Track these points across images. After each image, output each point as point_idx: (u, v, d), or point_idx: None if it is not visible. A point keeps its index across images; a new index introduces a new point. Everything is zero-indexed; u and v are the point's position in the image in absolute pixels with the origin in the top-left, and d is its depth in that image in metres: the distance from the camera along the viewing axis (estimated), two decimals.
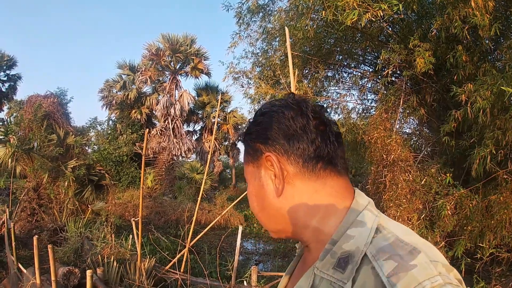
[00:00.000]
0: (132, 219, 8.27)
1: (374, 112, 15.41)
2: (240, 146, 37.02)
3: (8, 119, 16.13)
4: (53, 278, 5.13)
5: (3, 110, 36.81)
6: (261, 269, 10.47)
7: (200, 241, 10.08)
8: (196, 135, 30.88)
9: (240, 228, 7.28)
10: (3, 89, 35.60)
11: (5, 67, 35.15)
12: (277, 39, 14.30)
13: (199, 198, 7.75)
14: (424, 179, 9.71)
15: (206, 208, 19.55)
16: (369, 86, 15.82)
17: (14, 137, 14.91)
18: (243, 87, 16.28)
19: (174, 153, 25.65)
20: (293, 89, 3.90)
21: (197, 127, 31.32)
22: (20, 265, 7.37)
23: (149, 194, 21.08)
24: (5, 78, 35.79)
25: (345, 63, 15.16)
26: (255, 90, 15.33)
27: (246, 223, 20.07)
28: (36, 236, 5.94)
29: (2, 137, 15.59)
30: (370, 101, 16.15)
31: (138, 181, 22.49)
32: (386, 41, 12.63)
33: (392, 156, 9.96)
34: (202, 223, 16.54)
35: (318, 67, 13.59)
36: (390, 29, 12.09)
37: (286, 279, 1.09)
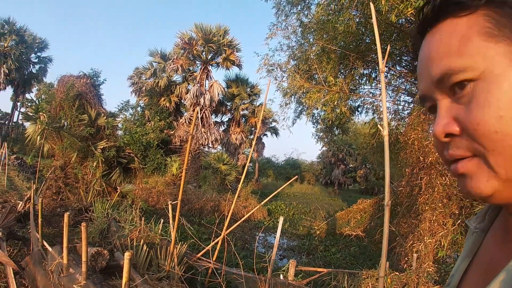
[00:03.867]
0: (169, 201, 8.09)
1: (406, 114, 15.05)
2: (266, 140, 36.79)
3: (38, 100, 16.26)
4: (83, 259, 4.95)
5: (32, 92, 37.85)
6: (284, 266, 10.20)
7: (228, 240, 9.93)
8: (224, 126, 30.84)
9: (281, 220, 6.99)
10: (34, 71, 36.44)
11: (36, 49, 35.96)
12: (313, 33, 13.97)
13: (239, 186, 7.50)
14: None
15: (230, 199, 19.38)
16: (403, 87, 15.40)
17: (44, 115, 15.01)
18: (276, 79, 16.03)
19: (201, 142, 25.59)
20: (382, 66, 3.57)
21: (225, 118, 31.33)
22: (45, 243, 7.25)
23: (174, 182, 21.09)
24: (36, 60, 36.76)
25: None
26: (289, 83, 15.05)
27: (269, 217, 19.92)
28: (67, 213, 5.76)
29: (32, 114, 15.73)
30: (403, 102, 15.76)
31: (163, 167, 22.58)
32: None
33: (430, 158, 9.56)
34: (226, 214, 16.33)
35: (355, 63, 13.20)
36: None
37: (464, 264, 0.77)
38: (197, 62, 27.68)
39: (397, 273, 6.12)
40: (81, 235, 9.88)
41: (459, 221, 8.89)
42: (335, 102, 13.72)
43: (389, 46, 5.06)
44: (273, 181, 41.79)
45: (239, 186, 7.46)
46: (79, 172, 15.02)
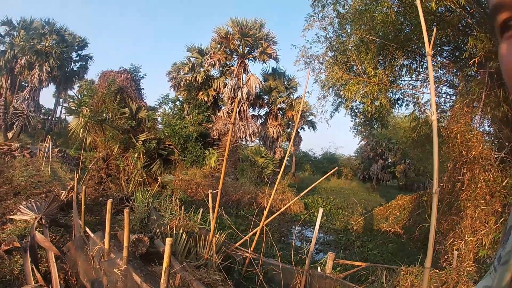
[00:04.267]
0: (209, 191, 8.22)
1: (448, 107, 14.54)
2: (303, 134, 36.59)
3: (81, 95, 16.91)
4: (125, 244, 5.12)
5: (74, 88, 39.53)
6: (320, 259, 10.13)
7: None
8: (261, 120, 30.93)
9: (321, 211, 6.95)
10: (75, 68, 38.06)
11: (76, 47, 37.52)
12: (351, 23, 13.74)
13: (278, 177, 7.53)
14: (506, 180, 8.89)
15: (268, 192, 19.52)
16: (445, 79, 14.86)
17: (87, 108, 15.58)
18: (314, 71, 15.86)
19: (239, 135, 25.82)
20: (428, 49, 3.49)
21: (262, 112, 31.40)
22: (87, 229, 7.47)
23: (212, 174, 21.41)
24: (77, 58, 38.49)
25: (423, 52, 14.32)
26: (327, 75, 14.87)
27: (306, 211, 19.87)
28: (110, 200, 5.97)
29: (75, 108, 16.34)
30: (445, 95, 15.23)
31: (202, 160, 22.97)
32: (465, 31, 11.69)
33: (473, 153, 9.21)
34: (262, 206, 16.42)
35: (395, 54, 12.86)
36: (469, 17, 11.17)
37: None
38: (234, 56, 27.88)
39: (437, 271, 5.95)
40: (122, 223, 10.28)
41: (502, 219, 8.55)
42: (375, 94, 13.45)
43: (435, 28, 4.90)
44: (310, 175, 41.55)
45: (278, 177, 7.48)
46: (121, 163, 15.52)
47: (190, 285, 5.41)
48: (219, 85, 27.42)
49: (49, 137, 22.30)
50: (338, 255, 12.21)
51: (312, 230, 16.53)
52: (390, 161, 39.37)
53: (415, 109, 15.62)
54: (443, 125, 13.10)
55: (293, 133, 7.49)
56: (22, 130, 35.71)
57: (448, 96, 14.91)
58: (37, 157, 22.97)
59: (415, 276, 5.85)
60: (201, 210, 9.34)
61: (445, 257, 8.28)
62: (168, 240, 3.92)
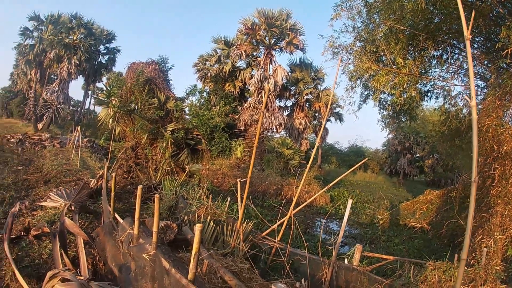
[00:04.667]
0: (238, 179, 8.28)
1: (479, 100, 14.10)
2: (329, 126, 36.25)
3: (110, 86, 17.24)
4: (154, 229, 5.20)
5: (102, 80, 40.49)
6: (345, 252, 10.07)
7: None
8: (288, 111, 30.83)
9: (350, 202, 6.89)
10: (103, 61, 39.00)
11: (104, 40, 38.39)
12: (380, 13, 13.45)
13: (307, 167, 7.51)
14: None
15: (293, 183, 19.53)
16: (476, 71, 14.41)
17: (115, 99, 15.90)
18: (342, 62, 15.63)
19: (265, 126, 25.83)
20: (467, 34, 3.40)
21: (289, 103, 31.29)
22: (116, 215, 7.60)
23: (238, 165, 21.54)
24: (105, 51, 39.44)
25: (454, 43, 13.94)
26: (356, 66, 14.64)
27: (332, 203, 19.77)
28: (141, 186, 6.07)
29: (104, 99, 16.69)
30: (476, 88, 14.75)
31: (228, 151, 23.12)
32: (496, 21, 11.29)
33: (505, 148, 8.96)
34: (288, 197, 16.43)
35: (426, 44, 12.54)
36: (501, 7, 10.76)
37: None
38: (260, 47, 27.79)
39: (465, 267, 5.81)
40: (149, 210, 10.49)
41: None
42: (404, 86, 13.19)
43: (474, 12, 4.75)
44: (336, 168, 41.17)
45: (307, 167, 7.46)
46: (149, 152, 15.80)
47: (217, 272, 5.49)
48: (246, 76, 27.48)
49: (79, 127, 22.91)
50: (364, 249, 12.11)
51: (338, 223, 16.47)
52: (417, 155, 38.55)
53: (445, 102, 15.24)
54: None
55: (323, 123, 7.45)
56: (52, 121, 37.08)
57: (479, 89, 14.47)
58: (67, 147, 23.69)
59: (443, 272, 5.73)
60: (229, 199, 9.41)
61: (473, 254, 8.08)
62: (198, 226, 3.97)
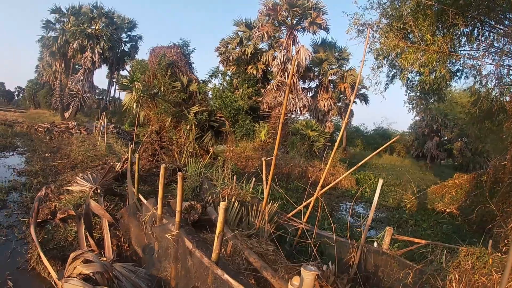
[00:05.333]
0: (263, 158, 8.13)
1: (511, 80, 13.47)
2: (354, 108, 35.55)
3: (133, 71, 17.33)
4: (177, 209, 5.09)
5: (126, 68, 40.94)
6: (372, 236, 9.81)
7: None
8: (312, 93, 30.36)
9: (380, 182, 6.62)
10: (126, 49, 39.44)
11: (126, 29, 38.69)
12: None
13: (334, 149, 7.26)
14: None
15: (318, 166, 19.28)
16: (507, 49, 13.74)
17: (139, 84, 15.93)
18: (368, 40, 15.14)
19: (289, 108, 25.50)
20: None
21: (313, 84, 30.78)
22: (140, 196, 7.58)
23: (262, 147, 21.42)
24: (127, 39, 39.98)
25: (484, 19, 13.27)
26: (382, 43, 14.15)
27: (357, 186, 19.46)
28: (164, 165, 5.96)
29: (128, 84, 16.79)
30: (507, 67, 14.12)
31: (252, 134, 22.98)
32: None
33: None
34: (313, 179, 16.21)
35: (455, 19, 11.95)
36: None
37: None
38: (282, 28, 27.28)
39: (499, 254, 5.47)
40: (174, 192, 10.45)
41: None
42: (434, 63, 12.73)
43: None
44: (361, 151, 40.46)
45: (334, 149, 7.21)
46: (173, 135, 15.84)
47: (242, 254, 5.36)
48: (268, 58, 27.10)
49: (104, 114, 23.30)
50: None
51: (363, 206, 16.20)
52: (445, 138, 37.44)
53: (476, 81, 14.68)
54: (506, 99, 12.22)
55: (350, 103, 7.14)
56: (78, 110, 38.11)
57: (511, 70, 13.79)
58: (93, 134, 24.32)
59: (476, 258, 5.44)
60: (253, 179, 9.27)
61: (505, 241, 7.68)
62: (222, 204, 3.82)
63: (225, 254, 5.22)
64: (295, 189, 15.52)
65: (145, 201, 7.10)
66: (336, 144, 7.25)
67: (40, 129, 26.77)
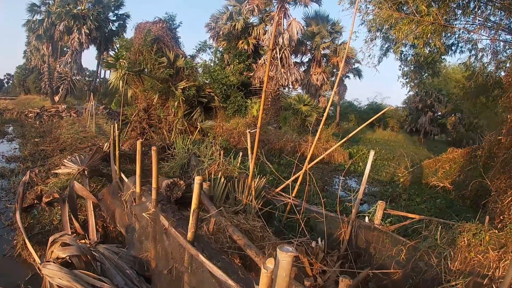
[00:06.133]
0: (248, 130, 7.82)
1: (507, 54, 13.21)
2: (348, 83, 35.14)
3: (117, 48, 16.82)
4: (154, 185, 4.77)
5: (116, 48, 39.99)
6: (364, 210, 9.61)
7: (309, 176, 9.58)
8: (304, 67, 29.87)
9: (372, 153, 6.32)
10: (113, 28, 38.44)
11: (113, 7, 37.65)
12: None
13: (320, 126, 6.92)
14: None
15: (310, 141, 19.04)
16: (504, 24, 13.42)
17: (124, 61, 15.45)
18: (360, 12, 14.73)
19: (281, 83, 25.03)
20: None
21: (305, 58, 30.25)
22: (122, 175, 7.32)
23: (254, 123, 21.08)
24: (114, 18, 38.99)
25: None
26: (375, 14, 13.74)
27: (350, 160, 19.28)
28: (140, 140, 5.62)
29: (113, 62, 16.31)
30: (503, 43, 13.86)
31: (244, 110, 22.60)
32: None
33: None
34: (305, 155, 15.97)
35: None
36: None
37: None
38: (273, 1, 26.50)
39: (496, 231, 5.23)
40: (162, 170, 10.18)
41: None
42: (428, 35, 12.39)
43: None
44: (355, 126, 40.10)
45: (322, 121, 6.88)
46: (161, 112, 15.49)
47: (226, 231, 5.07)
48: (259, 32, 26.44)
49: (92, 95, 22.97)
50: (385, 207, 11.65)
51: (356, 180, 16.03)
52: (439, 114, 37.22)
53: (471, 55, 14.43)
54: (502, 73, 12.16)
55: (338, 76, 6.76)
56: (68, 93, 37.61)
57: (507, 44, 13.52)
58: (83, 116, 23.98)
59: (472, 235, 5.20)
60: (241, 154, 8.94)
61: (501, 217, 7.46)
62: (197, 179, 3.47)
63: (207, 232, 4.92)
64: (287, 164, 15.28)
65: (126, 180, 6.79)
66: (324, 118, 6.91)
67: (30, 115, 26.78)
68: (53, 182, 9.37)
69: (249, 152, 7.30)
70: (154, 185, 4.56)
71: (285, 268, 2.12)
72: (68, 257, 5.04)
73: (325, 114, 7.22)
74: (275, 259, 2.13)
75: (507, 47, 13.66)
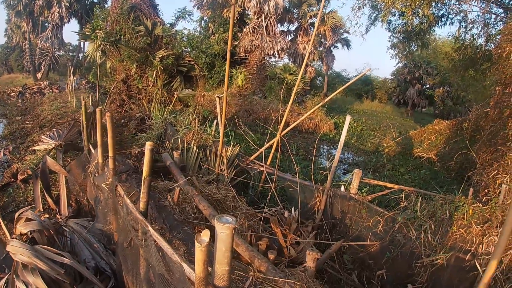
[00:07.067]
0: (216, 95, 7.51)
1: (498, 27, 13.06)
2: (336, 53, 34.59)
3: (94, 21, 16.10)
4: (110, 154, 4.45)
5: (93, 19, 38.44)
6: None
7: (288, 142, 9.30)
8: (290, 36, 29.23)
9: (348, 118, 5.99)
10: (95, 0, 36.72)
11: None
12: None
13: (294, 89, 6.59)
14: None
15: (296, 110, 18.77)
16: None
17: (101, 31, 14.86)
18: None
19: (266, 52, 24.36)
20: None
21: (292, 27, 29.56)
22: (90, 146, 7.01)
23: (239, 93, 20.71)
24: None
25: None
26: None
27: (336, 130, 19.13)
28: (100, 107, 5.27)
29: (90, 33, 15.71)
30: (494, 16, 13.66)
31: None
32: None
33: None
34: (290, 124, 15.80)
35: None
36: None
37: None
38: None
39: (480, 205, 5.01)
40: (140, 141, 9.88)
41: None
42: (417, 3, 12.09)
43: None
44: (343, 97, 39.80)
45: (297, 82, 6.53)
46: (139, 82, 15.03)
47: (193, 201, 4.78)
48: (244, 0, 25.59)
49: (71, 69, 22.41)
50: (367, 176, 11.49)
51: (342, 150, 15.90)
52: (427, 86, 37.02)
53: (461, 26, 14.27)
54: (490, 48, 12.17)
55: (316, 22, 6.37)
56: (50, 69, 36.46)
57: (498, 18, 13.33)
58: (65, 91, 23.45)
59: (455, 208, 4.98)
60: (215, 121, 8.61)
61: (486, 190, 7.30)
62: (148, 145, 3.14)
63: (171, 202, 4.63)
64: (272, 134, 15.09)
65: (93, 150, 6.45)
66: (297, 82, 6.56)
67: (13, 94, 26.10)
68: (30, 159, 9.25)
69: (219, 117, 6.98)
70: (110, 153, 4.21)
71: (225, 241, 1.83)
72: (29, 233, 4.83)
73: (298, 82, 6.91)
74: (215, 231, 1.83)
75: (498, 19, 13.47)
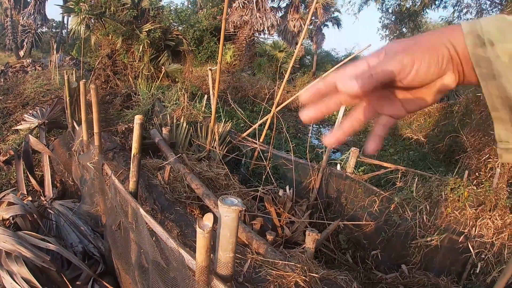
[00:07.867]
0: (208, 68, 7.22)
1: (493, 14, 12.93)
2: (326, 32, 34.05)
3: None
4: (96, 130, 4.19)
5: None
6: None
7: (278, 120, 9.13)
8: (281, 12, 28.57)
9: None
10: None
11: None
12: None
13: (288, 69, 6.35)
14: None
15: (285, 88, 18.50)
16: None
17: (85, 4, 14.20)
18: None
19: (256, 28, 23.75)
20: None
21: (283, 4, 28.84)
22: (74, 123, 6.71)
23: (228, 70, 20.27)
24: None
25: None
26: None
27: None
28: (84, 80, 4.96)
29: (73, 6, 15.05)
30: (489, 1, 13.54)
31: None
32: None
33: None
34: (280, 103, 15.58)
35: None
36: None
37: None
38: None
39: (475, 188, 4.95)
40: (126, 118, 9.61)
41: None
42: None
43: None
44: None
45: (292, 60, 6.32)
46: (125, 57, 14.53)
47: (184, 179, 4.58)
48: None
49: (55, 45, 21.56)
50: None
51: (330, 128, 15.80)
52: None
53: (456, 10, 14.15)
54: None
55: (310, 12, 6.13)
56: (33, 46, 34.88)
57: (493, 4, 13.21)
58: (49, 69, 22.74)
59: (451, 190, 4.91)
60: (206, 97, 8.35)
61: (476, 174, 7.27)
62: (137, 119, 2.90)
63: (162, 180, 4.42)
64: (261, 112, 14.92)
65: (77, 127, 6.15)
66: (293, 58, 6.30)
67: None
68: (12, 139, 8.92)
69: (211, 91, 6.73)
70: (96, 130, 3.93)
71: (230, 226, 1.62)
72: (11, 218, 4.57)
73: (294, 57, 6.71)
74: (218, 214, 1.63)
75: (493, 6, 13.36)
